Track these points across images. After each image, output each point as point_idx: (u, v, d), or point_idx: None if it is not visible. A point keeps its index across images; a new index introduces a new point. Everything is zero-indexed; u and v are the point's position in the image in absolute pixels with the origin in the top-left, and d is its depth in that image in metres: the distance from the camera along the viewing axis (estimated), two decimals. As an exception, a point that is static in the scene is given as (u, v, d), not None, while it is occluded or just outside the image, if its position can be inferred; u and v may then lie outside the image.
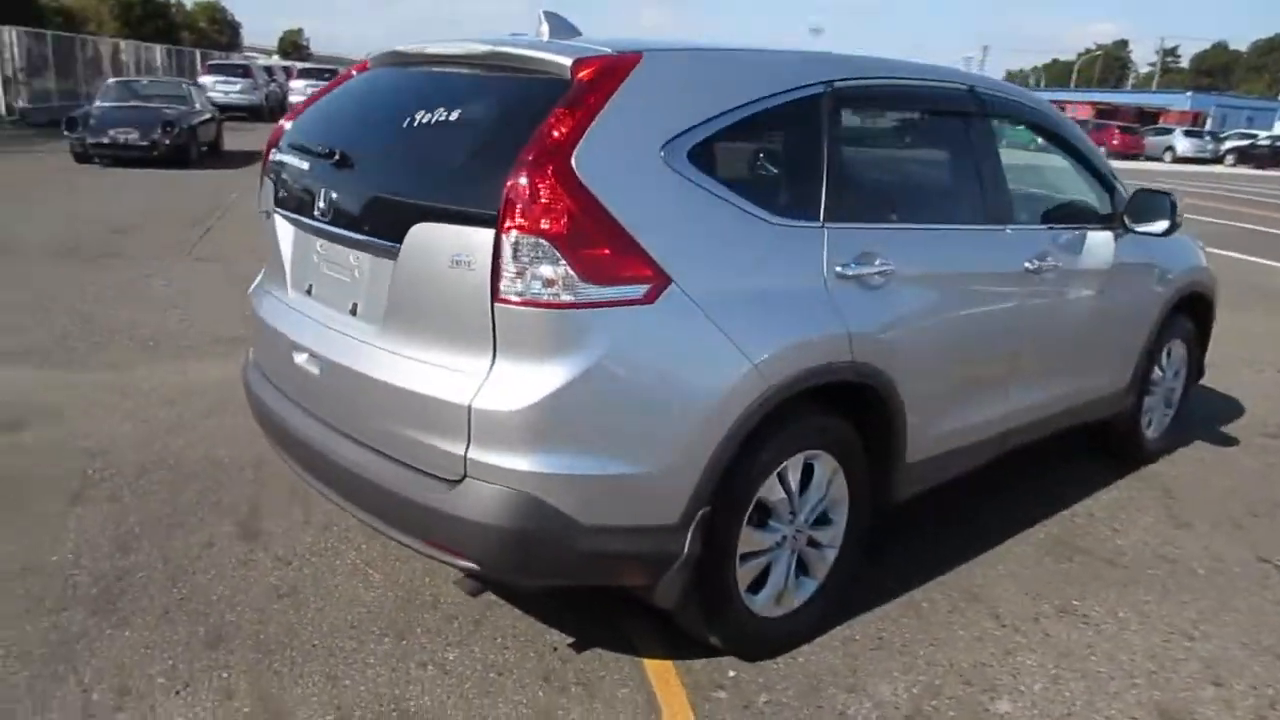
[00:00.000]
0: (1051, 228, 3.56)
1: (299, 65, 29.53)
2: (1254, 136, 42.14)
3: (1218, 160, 39.34)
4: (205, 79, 26.28)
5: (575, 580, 2.47)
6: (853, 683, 2.66)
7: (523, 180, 2.10)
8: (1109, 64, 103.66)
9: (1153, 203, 3.75)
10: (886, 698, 2.60)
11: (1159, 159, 39.29)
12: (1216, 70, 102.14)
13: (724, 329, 2.31)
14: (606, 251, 2.16)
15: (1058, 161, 3.92)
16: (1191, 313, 4.45)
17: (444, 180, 2.32)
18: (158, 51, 33.63)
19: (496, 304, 2.14)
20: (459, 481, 2.23)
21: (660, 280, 2.22)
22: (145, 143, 14.03)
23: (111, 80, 17.85)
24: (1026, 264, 3.26)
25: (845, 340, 2.57)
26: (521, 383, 2.15)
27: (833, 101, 2.69)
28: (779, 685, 2.63)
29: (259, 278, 3.10)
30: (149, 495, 3.54)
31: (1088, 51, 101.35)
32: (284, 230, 2.82)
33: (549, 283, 2.12)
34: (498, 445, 2.18)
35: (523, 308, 2.13)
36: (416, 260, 2.28)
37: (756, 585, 2.68)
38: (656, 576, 2.40)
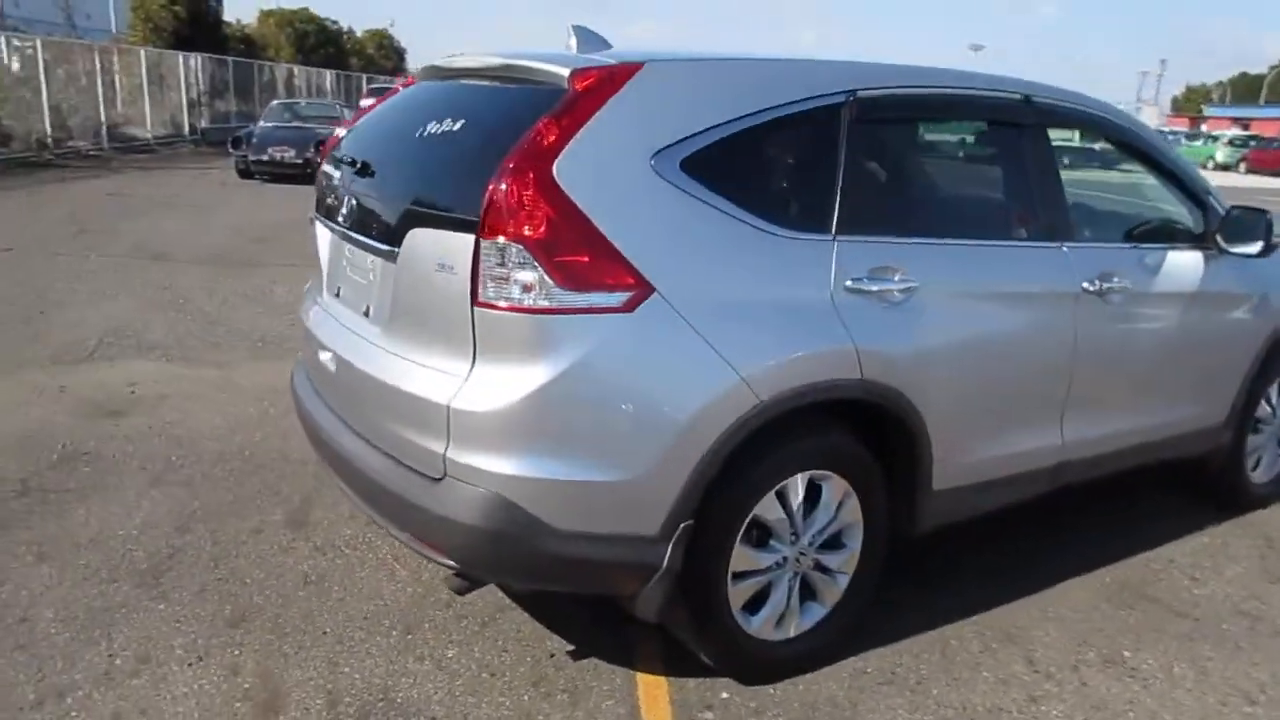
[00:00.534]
0: (1123, 246, 3.33)
1: (370, 85, 31.15)
2: None
3: None
4: (365, 101, 27.93)
5: (551, 584, 2.48)
6: (850, 716, 2.55)
7: (503, 186, 2.15)
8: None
9: (1248, 222, 3.44)
10: (883, 734, 2.48)
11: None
12: None
13: (710, 341, 2.27)
14: (586, 259, 2.18)
15: (1148, 178, 3.65)
16: None
17: (438, 187, 2.40)
18: (328, 76, 36.04)
19: (476, 308, 2.19)
20: (440, 480, 2.29)
21: (642, 289, 2.22)
22: (299, 160, 15.04)
23: (274, 102, 19.26)
24: (1085, 284, 3.05)
25: (852, 357, 2.48)
26: (497, 386, 2.19)
27: (855, 111, 2.61)
28: (770, 711, 2.55)
29: (310, 283, 3.28)
30: (218, 482, 3.79)
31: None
32: (323, 236, 2.98)
33: (527, 288, 2.15)
34: (474, 446, 2.22)
35: (500, 312, 2.17)
36: (411, 264, 2.37)
37: (755, 605, 2.61)
38: (636, 587, 2.38)
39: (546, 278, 2.14)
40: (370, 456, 2.51)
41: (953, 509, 2.95)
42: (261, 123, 16.53)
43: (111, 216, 10.85)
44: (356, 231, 2.66)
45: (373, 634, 2.80)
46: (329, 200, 2.92)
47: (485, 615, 2.93)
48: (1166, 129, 50.53)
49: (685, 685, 2.64)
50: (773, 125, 2.49)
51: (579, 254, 2.17)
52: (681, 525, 2.32)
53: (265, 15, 38.41)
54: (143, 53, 22.61)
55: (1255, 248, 3.41)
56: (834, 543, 2.71)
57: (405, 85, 3.21)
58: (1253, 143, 40.63)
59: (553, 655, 2.75)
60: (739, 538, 2.47)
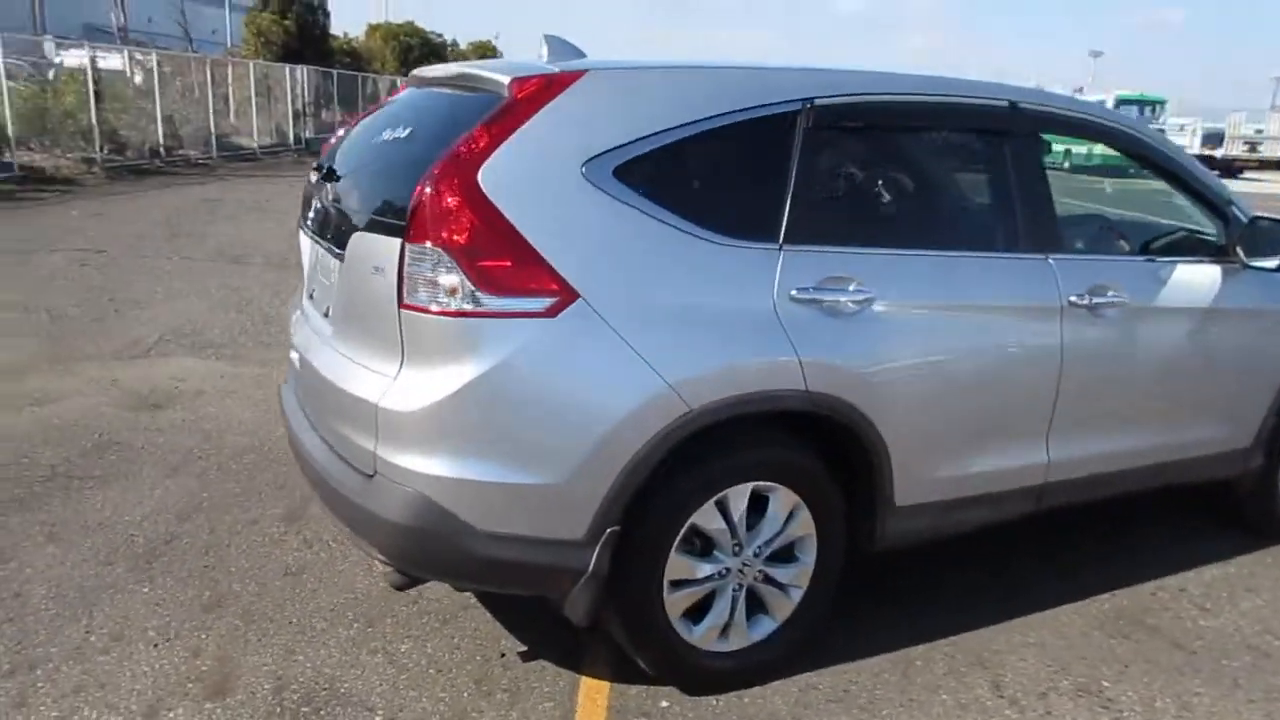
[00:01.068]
0: (1123, 259, 3.18)
1: None
2: None
3: None
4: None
5: (478, 584, 2.52)
6: (787, 732, 2.50)
7: (427, 191, 2.20)
8: None
9: (1269, 234, 3.24)
10: (818, 753, 2.43)
11: None
12: None
13: (637, 348, 2.27)
14: (508, 264, 2.21)
15: (1163, 186, 3.47)
16: None
17: (378, 192, 2.47)
18: (429, 86, 37.03)
19: (402, 310, 2.25)
20: (372, 477, 2.35)
21: (566, 295, 2.23)
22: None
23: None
24: (1073, 298, 2.91)
25: (795, 368, 2.44)
26: (420, 386, 2.24)
27: (812, 118, 2.57)
28: (706, 722, 2.53)
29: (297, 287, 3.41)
30: (231, 475, 3.96)
31: None
32: (304, 242, 3.09)
33: (450, 292, 2.20)
34: (400, 445, 2.28)
35: (423, 315, 2.22)
36: (353, 267, 2.45)
37: (699, 614, 2.59)
38: (563, 590, 2.39)
39: (468, 282, 2.18)
40: (322, 452, 2.60)
41: (923, 526, 2.86)
42: (353, 132, 17.11)
43: (203, 221, 11.43)
44: (321, 235, 2.76)
45: (335, 625, 2.89)
46: (307, 205, 3.04)
47: (448, 612, 2.98)
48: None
49: (627, 692, 2.63)
50: (718, 133, 2.48)
51: (501, 259, 2.20)
52: (608, 530, 2.33)
53: (372, 29, 39.92)
54: (252, 65, 23.74)
55: (1275, 261, 3.21)
56: (785, 556, 2.67)
57: (396, 93, 3.30)
58: None
59: (503, 655, 2.78)
60: (675, 546, 2.46)
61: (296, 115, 25.26)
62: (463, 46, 51.29)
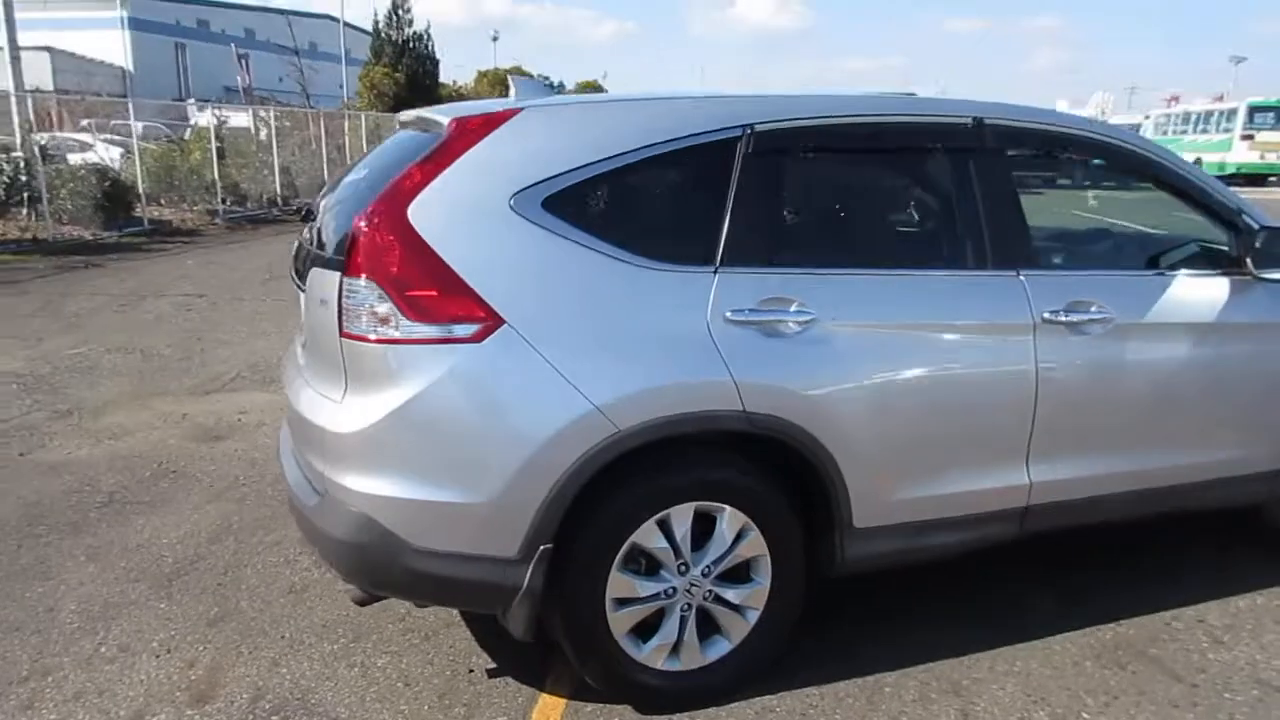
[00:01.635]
0: (1110, 273, 3.07)
1: None
2: None
3: None
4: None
5: (420, 599, 2.63)
6: (731, 752, 2.50)
7: (360, 226, 2.35)
8: None
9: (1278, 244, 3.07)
10: (758, 775, 2.42)
11: None
12: None
13: (564, 371, 2.35)
14: (434, 293, 2.34)
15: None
16: None
17: (329, 230, 2.63)
18: (534, 128, 38.17)
19: (343, 339, 2.40)
20: (323, 497, 2.50)
21: (492, 321, 2.34)
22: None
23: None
24: (1047, 314, 2.83)
25: (730, 388, 2.47)
26: (358, 410, 2.39)
27: (752, 144, 2.62)
28: (653, 741, 2.55)
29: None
30: (266, 500, 4.22)
31: None
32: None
33: (382, 320, 2.34)
34: (343, 466, 2.42)
35: (361, 343, 2.37)
36: (311, 299, 2.62)
37: (648, 633, 2.62)
38: (501, 606, 2.47)
39: (398, 311, 2.32)
40: (294, 476, 2.77)
41: (889, 549, 2.81)
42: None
43: (303, 264, 12.12)
44: (299, 275, 2.95)
45: (323, 640, 3.05)
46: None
47: (431, 629, 3.10)
48: None
49: (582, 710, 2.68)
50: (653, 162, 2.55)
51: (428, 288, 2.33)
52: (541, 548, 2.40)
53: (480, 75, 41.64)
54: (364, 117, 25.08)
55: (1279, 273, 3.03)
56: (739, 577, 2.68)
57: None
58: None
59: (471, 670, 2.88)
60: (616, 564, 2.51)
61: (405, 161, 26.41)
62: (569, 88, 52.76)
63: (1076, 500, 3.02)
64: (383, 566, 2.41)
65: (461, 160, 2.42)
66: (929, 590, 3.30)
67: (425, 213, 2.36)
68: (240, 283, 10.59)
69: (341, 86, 37.26)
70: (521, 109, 2.54)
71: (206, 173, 16.94)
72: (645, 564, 2.58)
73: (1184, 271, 3.14)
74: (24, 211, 13.76)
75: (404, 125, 3.09)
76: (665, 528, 2.54)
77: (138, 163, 15.42)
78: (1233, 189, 3.36)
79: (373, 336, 2.35)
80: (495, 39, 66.95)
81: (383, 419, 2.34)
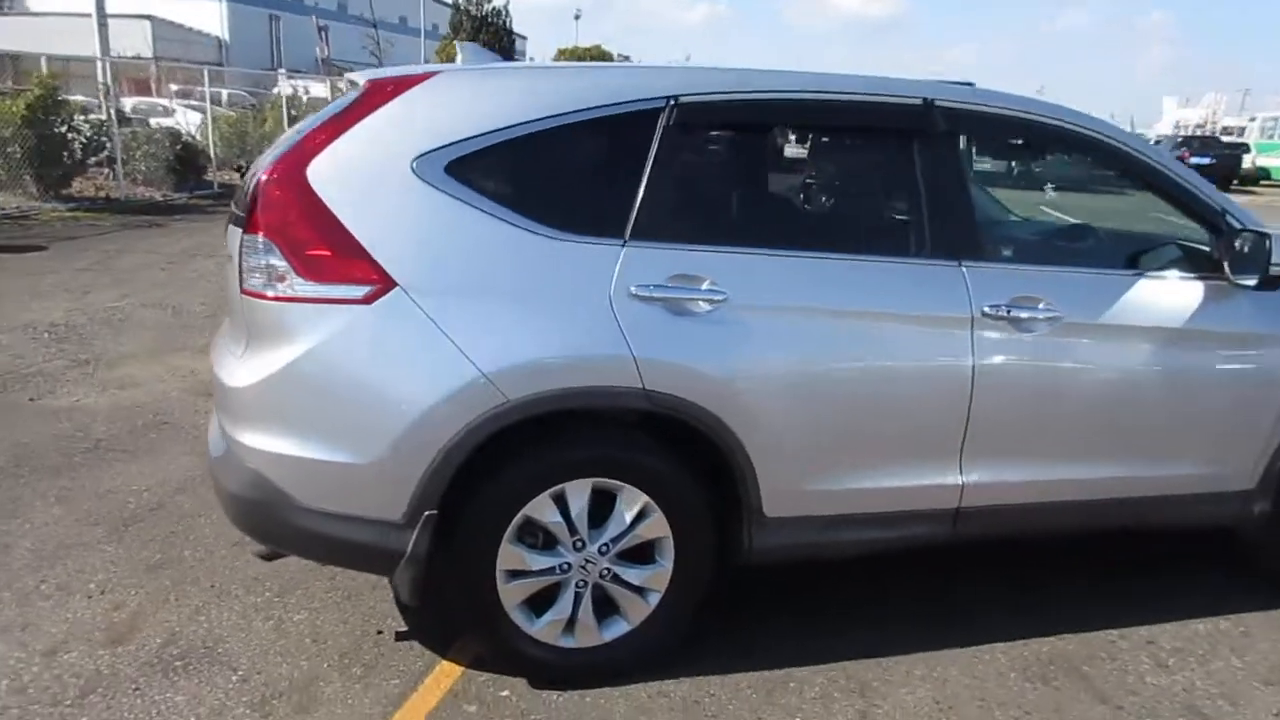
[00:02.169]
0: (1060, 270, 2.91)
1: None
2: None
3: None
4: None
5: (311, 557, 2.65)
6: (610, 734, 2.47)
7: (262, 183, 2.37)
8: None
9: (1254, 248, 2.87)
10: (631, 758, 2.38)
11: None
12: None
13: (454, 337, 2.34)
14: (328, 253, 2.34)
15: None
16: None
17: (246, 188, 2.66)
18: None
19: (242, 295, 2.43)
20: (224, 451, 2.54)
21: (384, 283, 2.34)
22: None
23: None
24: (986, 308, 2.71)
25: (629, 365, 2.43)
26: (253, 366, 2.41)
27: (673, 116, 2.55)
28: (536, 714, 2.53)
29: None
30: (242, 455, 4.31)
31: None
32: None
33: (277, 278, 2.36)
34: (240, 421, 2.46)
35: (255, 299, 2.39)
36: (228, 258, 2.66)
37: (542, 607, 2.60)
38: (387, 569, 2.48)
39: (292, 269, 2.34)
40: (214, 428, 2.82)
41: (801, 540, 2.73)
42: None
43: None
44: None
45: (250, 592, 3.11)
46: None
47: (355, 589, 3.14)
48: None
49: (476, 679, 2.68)
50: (565, 130, 2.51)
51: (321, 248, 2.34)
52: (426, 514, 2.40)
53: (560, 54, 41.81)
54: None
55: (1255, 279, 2.84)
56: (640, 557, 2.64)
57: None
58: None
59: (380, 632, 2.90)
60: (508, 536, 2.49)
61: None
62: (650, 70, 52.56)
63: (1015, 505, 2.89)
64: (274, 523, 2.45)
65: (366, 121, 2.42)
66: (869, 589, 3.21)
67: (325, 173, 2.36)
68: (288, 248, 10.85)
69: (422, 59, 37.83)
70: (436, 73, 2.52)
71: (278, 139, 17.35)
72: (543, 538, 2.55)
73: (1152, 272, 2.97)
74: (103, 171, 14.34)
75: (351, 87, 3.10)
76: (561, 502, 2.51)
77: (209, 128, 15.91)
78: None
79: (269, 294, 2.37)
80: (578, 17, 66.97)
81: (273, 375, 2.36)
